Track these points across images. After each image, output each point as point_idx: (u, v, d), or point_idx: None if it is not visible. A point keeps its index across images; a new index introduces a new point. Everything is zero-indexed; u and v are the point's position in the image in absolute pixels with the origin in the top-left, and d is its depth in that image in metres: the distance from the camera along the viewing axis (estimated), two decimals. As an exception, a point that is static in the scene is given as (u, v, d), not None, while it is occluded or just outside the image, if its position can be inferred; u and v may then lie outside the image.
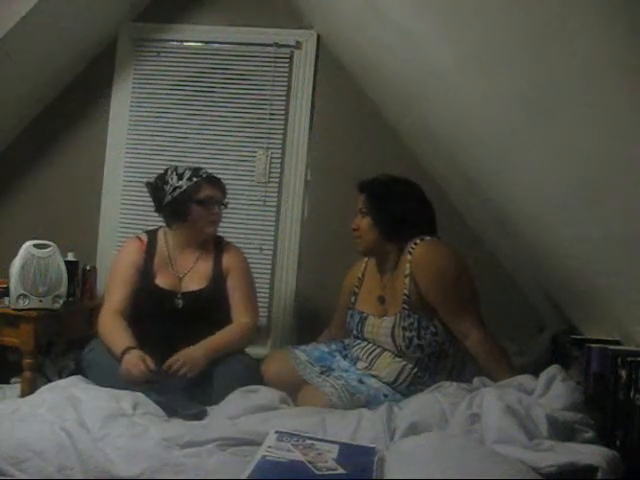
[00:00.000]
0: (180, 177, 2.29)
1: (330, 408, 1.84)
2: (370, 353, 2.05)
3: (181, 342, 2.09)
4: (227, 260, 2.39)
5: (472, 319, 1.94)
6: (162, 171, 2.37)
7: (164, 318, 2.20)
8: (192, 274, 2.33)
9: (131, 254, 2.32)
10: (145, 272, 2.29)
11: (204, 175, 2.33)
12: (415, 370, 1.96)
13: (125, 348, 2.01)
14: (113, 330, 2.13)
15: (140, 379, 1.92)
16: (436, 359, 1.98)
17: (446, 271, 1.97)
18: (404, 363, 1.97)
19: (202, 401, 1.97)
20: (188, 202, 2.27)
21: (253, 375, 2.08)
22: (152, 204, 2.41)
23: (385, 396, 1.91)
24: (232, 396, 1.91)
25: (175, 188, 2.27)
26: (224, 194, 2.41)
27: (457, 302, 1.95)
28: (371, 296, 2.16)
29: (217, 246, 2.43)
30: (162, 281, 2.29)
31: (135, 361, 1.95)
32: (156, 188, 2.32)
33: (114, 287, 2.27)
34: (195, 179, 2.29)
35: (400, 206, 2.09)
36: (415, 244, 2.01)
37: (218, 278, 2.34)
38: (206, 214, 2.31)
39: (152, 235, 2.39)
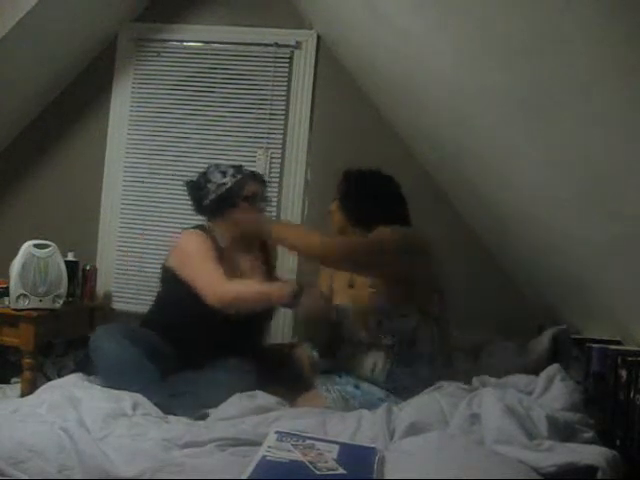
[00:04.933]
0: (224, 174, 2.25)
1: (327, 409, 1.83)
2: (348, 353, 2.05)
3: (237, 337, 2.09)
4: (271, 256, 2.42)
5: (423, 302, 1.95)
6: (203, 170, 2.33)
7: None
8: (246, 270, 2.27)
9: (206, 242, 2.18)
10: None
11: (247, 172, 2.32)
12: (389, 361, 1.93)
13: (295, 287, 1.97)
14: (251, 286, 2.08)
15: (322, 313, 1.96)
16: (407, 348, 1.93)
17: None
18: (376, 357, 1.95)
19: (201, 405, 1.95)
20: (234, 199, 2.24)
21: (250, 381, 2.06)
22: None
23: (380, 400, 1.87)
24: (232, 399, 1.91)
25: (219, 185, 2.23)
26: (266, 189, 2.40)
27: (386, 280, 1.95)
28: (342, 284, 2.16)
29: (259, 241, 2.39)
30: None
31: (315, 297, 1.98)
32: (198, 187, 2.27)
33: (207, 264, 2.10)
34: (239, 176, 2.27)
35: (365, 194, 2.12)
36: (376, 231, 2.01)
37: (270, 274, 2.35)
38: (251, 210, 2.27)
39: (203, 229, 2.29)
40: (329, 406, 1.86)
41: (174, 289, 2.20)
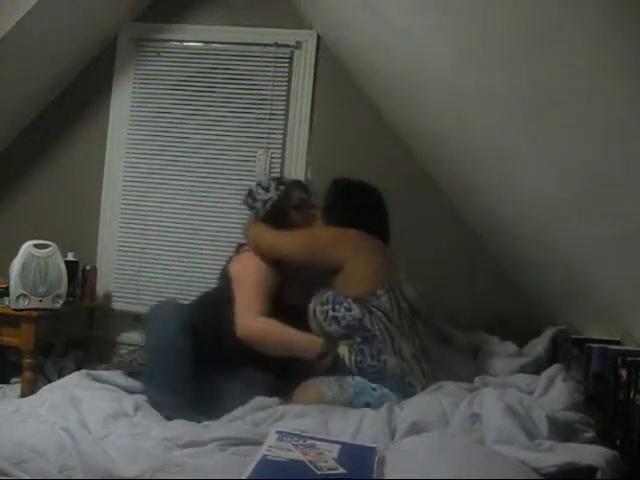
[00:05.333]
0: (266, 189, 2.30)
1: (322, 402, 1.84)
2: None
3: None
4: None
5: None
6: (249, 189, 2.37)
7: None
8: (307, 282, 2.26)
9: (261, 267, 2.18)
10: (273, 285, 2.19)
11: (288, 181, 2.37)
12: (353, 356, 1.97)
13: (324, 347, 1.99)
14: (281, 330, 2.04)
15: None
16: (365, 340, 1.97)
17: None
18: (342, 350, 1.99)
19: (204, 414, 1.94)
20: (284, 209, 2.28)
21: (254, 391, 2.04)
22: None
23: (374, 390, 1.91)
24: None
25: (266, 202, 2.29)
26: (310, 195, 2.40)
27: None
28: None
29: None
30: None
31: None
32: (250, 207, 2.34)
33: (251, 293, 2.12)
34: (282, 187, 2.31)
35: (343, 202, 2.25)
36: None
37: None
38: (304, 216, 2.31)
39: None
40: (325, 395, 1.88)
41: (226, 290, 2.19)
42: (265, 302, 2.09)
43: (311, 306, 2.08)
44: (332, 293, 2.04)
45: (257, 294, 2.10)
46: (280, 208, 2.27)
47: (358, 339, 1.98)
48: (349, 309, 1.99)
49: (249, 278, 2.15)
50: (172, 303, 2.19)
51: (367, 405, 1.85)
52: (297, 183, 2.40)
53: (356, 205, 2.23)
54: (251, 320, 2.04)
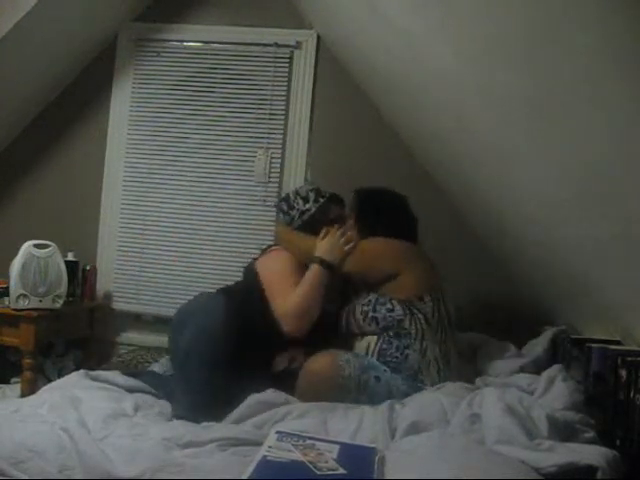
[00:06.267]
0: (306, 200, 2.32)
1: (335, 366, 1.89)
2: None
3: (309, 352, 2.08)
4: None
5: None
6: (284, 196, 2.39)
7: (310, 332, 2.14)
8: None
9: (293, 261, 2.22)
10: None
11: (327, 194, 2.37)
12: (379, 343, 2.04)
13: (316, 261, 2.11)
14: (299, 290, 2.09)
15: None
16: (397, 335, 2.03)
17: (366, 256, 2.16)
18: (369, 339, 2.07)
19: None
20: (320, 223, 2.27)
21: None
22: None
23: (385, 371, 1.97)
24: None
25: (303, 212, 2.30)
26: (345, 209, 2.40)
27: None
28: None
29: None
30: None
31: (327, 243, 2.13)
32: (284, 213, 2.35)
33: (288, 283, 2.15)
34: (321, 200, 2.33)
35: (375, 209, 2.26)
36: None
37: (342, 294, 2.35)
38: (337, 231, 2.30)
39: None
40: (340, 358, 1.93)
41: (254, 290, 2.20)
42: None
43: (348, 307, 2.14)
44: (375, 295, 2.09)
45: (290, 283, 2.13)
46: (318, 221, 2.28)
47: (391, 333, 2.04)
48: (391, 310, 2.04)
49: (282, 270, 2.19)
50: (207, 295, 2.17)
51: (377, 379, 1.92)
52: (335, 197, 2.40)
53: (386, 212, 2.25)
54: (287, 300, 2.09)
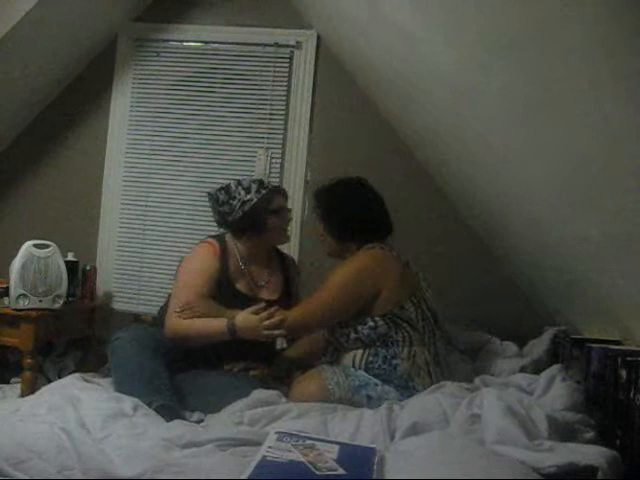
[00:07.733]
0: (247, 191, 2.25)
1: (324, 389, 1.87)
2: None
3: (253, 347, 2.09)
4: (291, 270, 2.45)
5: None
6: (224, 185, 2.32)
7: None
8: (267, 284, 2.31)
9: (206, 260, 2.22)
10: (223, 277, 2.22)
11: (270, 186, 2.33)
12: (365, 356, 2.00)
13: (229, 320, 2.02)
14: (197, 320, 2.08)
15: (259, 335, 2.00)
16: (384, 344, 1.99)
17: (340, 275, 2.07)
18: (355, 352, 2.02)
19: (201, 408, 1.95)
20: (262, 214, 2.25)
21: (244, 383, 2.03)
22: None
23: (376, 385, 1.93)
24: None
25: (244, 202, 2.23)
26: (287, 201, 2.39)
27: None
28: None
29: (279, 256, 2.44)
30: (242, 287, 2.25)
31: (251, 317, 2.00)
32: (222, 202, 2.27)
33: (184, 290, 2.17)
34: (263, 190, 2.27)
35: (336, 206, 2.17)
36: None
37: (289, 288, 2.38)
38: (280, 223, 2.30)
39: (222, 241, 2.30)
40: (329, 381, 1.90)
41: None
42: (193, 300, 2.11)
43: (327, 330, 2.09)
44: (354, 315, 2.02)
45: (187, 291, 2.14)
46: (259, 211, 2.24)
47: (378, 343, 1.99)
48: (374, 327, 1.99)
49: (189, 270, 2.22)
50: (129, 332, 2.14)
51: (369, 398, 1.88)
52: (278, 189, 2.37)
53: (349, 205, 2.15)
54: (171, 318, 2.11)
